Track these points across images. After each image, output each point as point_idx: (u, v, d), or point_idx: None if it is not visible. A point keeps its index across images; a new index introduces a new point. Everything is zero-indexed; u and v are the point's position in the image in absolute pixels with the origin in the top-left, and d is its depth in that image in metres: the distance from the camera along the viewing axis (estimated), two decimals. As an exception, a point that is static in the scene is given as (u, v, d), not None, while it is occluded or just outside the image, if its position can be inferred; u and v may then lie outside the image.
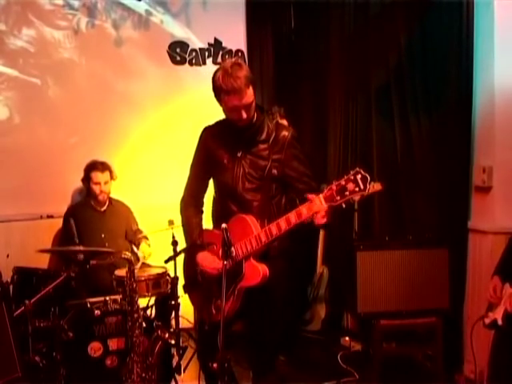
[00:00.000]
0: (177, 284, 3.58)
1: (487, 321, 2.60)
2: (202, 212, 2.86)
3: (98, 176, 3.97)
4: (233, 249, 2.39)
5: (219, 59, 4.84)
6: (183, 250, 3.56)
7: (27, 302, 3.04)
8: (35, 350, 3.07)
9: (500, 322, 2.51)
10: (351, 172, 2.35)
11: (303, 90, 4.95)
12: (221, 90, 2.49)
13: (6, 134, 4.21)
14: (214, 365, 2.30)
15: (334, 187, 2.36)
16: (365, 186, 2.33)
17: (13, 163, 4.17)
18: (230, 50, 4.89)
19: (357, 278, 3.41)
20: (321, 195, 2.39)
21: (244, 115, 2.52)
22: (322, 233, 4.39)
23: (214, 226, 2.78)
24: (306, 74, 4.88)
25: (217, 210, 2.80)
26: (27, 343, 3.02)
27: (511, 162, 3.34)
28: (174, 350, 3.48)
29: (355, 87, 4.34)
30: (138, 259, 3.87)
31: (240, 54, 4.92)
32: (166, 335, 3.28)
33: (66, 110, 4.39)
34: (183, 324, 4.06)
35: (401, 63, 3.81)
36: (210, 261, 2.66)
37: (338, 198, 2.35)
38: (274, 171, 2.62)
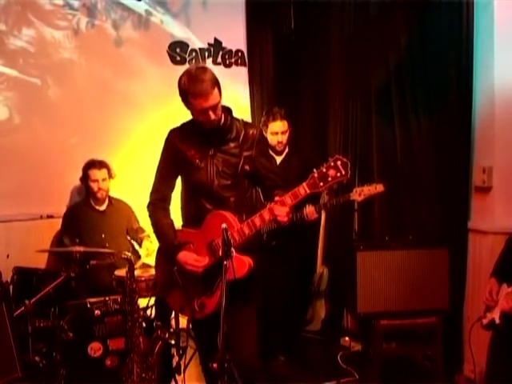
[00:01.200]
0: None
1: (485, 321, 2.61)
2: (170, 212, 2.86)
3: (95, 173, 4.00)
4: (232, 249, 2.38)
5: (219, 59, 4.85)
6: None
7: (27, 301, 3.05)
8: (35, 350, 3.07)
9: (497, 321, 2.52)
10: (330, 159, 2.44)
11: (303, 90, 4.94)
12: (187, 94, 2.55)
13: (6, 134, 4.21)
14: (214, 365, 2.29)
15: (315, 175, 2.44)
16: (346, 171, 2.42)
17: (13, 163, 4.18)
18: (230, 50, 4.89)
19: (357, 278, 3.41)
20: (304, 183, 2.47)
21: (212, 116, 2.57)
22: (321, 233, 4.39)
23: (186, 226, 2.79)
24: (306, 74, 4.88)
25: (189, 208, 2.78)
26: (27, 343, 3.03)
27: (511, 162, 3.34)
28: (174, 350, 3.48)
29: (355, 87, 4.34)
30: (139, 257, 3.88)
31: (240, 53, 4.92)
32: (166, 335, 3.28)
33: (66, 110, 4.39)
34: (183, 324, 4.06)
35: (401, 63, 3.81)
36: (193, 258, 2.66)
37: (321, 184, 2.44)
38: (247, 167, 2.68)
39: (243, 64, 4.93)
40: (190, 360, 3.70)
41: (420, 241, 3.49)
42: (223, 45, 4.87)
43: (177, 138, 2.75)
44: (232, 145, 2.69)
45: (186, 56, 4.76)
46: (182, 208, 2.83)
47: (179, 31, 4.75)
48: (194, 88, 2.51)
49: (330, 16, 4.58)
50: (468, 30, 3.38)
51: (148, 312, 3.63)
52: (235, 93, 4.78)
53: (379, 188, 3.56)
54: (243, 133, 2.70)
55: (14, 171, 4.18)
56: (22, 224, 4.17)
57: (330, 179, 2.43)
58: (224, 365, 2.27)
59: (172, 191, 2.84)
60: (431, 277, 3.39)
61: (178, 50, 4.73)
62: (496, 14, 3.30)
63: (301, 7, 4.90)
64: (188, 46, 4.77)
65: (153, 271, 3.58)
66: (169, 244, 2.72)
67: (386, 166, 4.02)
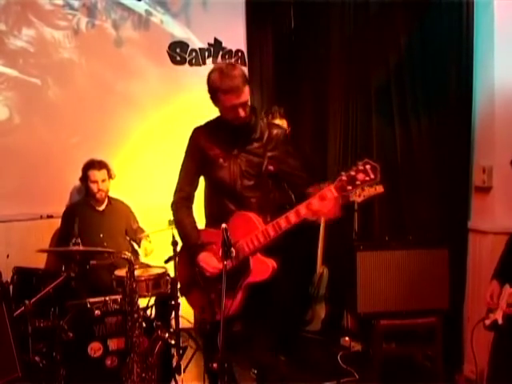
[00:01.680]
0: (177, 284, 3.58)
1: (487, 322, 2.60)
2: (193, 212, 2.85)
3: (95, 174, 3.98)
4: (232, 249, 2.39)
5: (219, 59, 4.85)
6: (180, 252, 3.55)
7: (27, 302, 3.04)
8: (35, 350, 3.07)
9: (500, 322, 2.51)
10: (360, 163, 2.42)
11: (303, 90, 4.95)
12: (218, 90, 2.53)
13: (6, 134, 4.22)
14: (214, 365, 2.29)
15: (344, 178, 2.42)
16: (375, 176, 2.40)
17: (13, 163, 4.18)
18: (230, 50, 4.89)
19: (357, 278, 3.41)
20: (332, 185, 2.44)
21: (242, 113, 2.55)
22: (321, 233, 4.39)
23: (208, 225, 2.78)
24: (306, 74, 4.87)
25: (211, 208, 2.79)
26: (27, 343, 3.02)
27: (511, 162, 3.34)
28: (174, 350, 3.48)
29: (355, 87, 4.34)
30: (137, 257, 3.88)
31: (240, 54, 4.92)
32: (166, 335, 3.28)
33: (66, 110, 4.40)
34: (183, 324, 4.05)
35: (401, 63, 3.81)
36: (212, 261, 2.65)
37: (350, 187, 2.42)
38: (271, 167, 2.67)
39: (243, 64, 4.92)
40: (190, 360, 3.71)
41: (420, 241, 3.48)
42: (223, 45, 4.87)
43: (201, 137, 2.74)
44: (256, 145, 2.67)
45: (186, 56, 4.76)
46: (204, 207, 2.82)
47: (179, 31, 4.75)
48: (225, 84, 2.49)
49: (330, 16, 4.58)
50: (468, 30, 3.38)
51: (148, 312, 3.64)
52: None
53: (379, 189, 3.56)
54: (267, 133, 2.69)
55: (14, 171, 4.19)
56: (21, 224, 4.18)
57: (358, 183, 2.41)
58: (224, 365, 2.27)
59: (195, 190, 2.83)
60: (431, 277, 3.38)
61: (178, 50, 4.73)
62: (496, 14, 3.30)
63: (301, 7, 4.90)
64: (188, 45, 4.77)
65: (152, 271, 3.60)
66: (191, 244, 2.71)
67: (386, 166, 3.98)
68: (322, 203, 2.46)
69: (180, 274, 2.92)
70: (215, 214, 2.74)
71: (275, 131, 2.71)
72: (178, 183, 2.82)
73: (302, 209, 2.50)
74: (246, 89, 2.53)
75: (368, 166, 2.40)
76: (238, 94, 2.50)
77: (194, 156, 2.76)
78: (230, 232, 2.61)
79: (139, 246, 3.97)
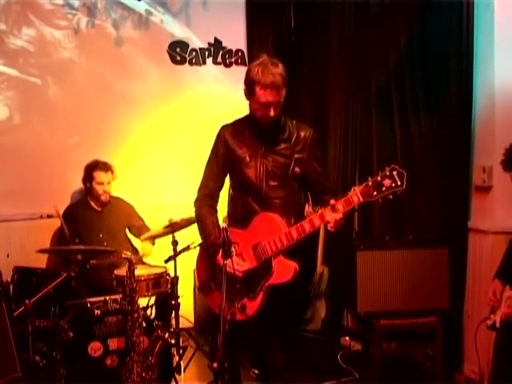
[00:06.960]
0: (177, 284, 3.58)
1: (489, 322, 2.61)
2: (217, 211, 2.83)
3: (101, 176, 3.95)
4: (232, 249, 2.38)
5: (219, 59, 4.85)
6: (184, 250, 3.55)
7: (27, 301, 3.04)
8: (35, 349, 3.07)
9: (498, 325, 2.52)
10: (387, 168, 2.39)
11: (303, 89, 4.94)
12: (257, 83, 2.52)
13: (6, 133, 4.21)
14: (215, 365, 2.29)
15: (370, 183, 2.40)
16: (402, 182, 2.37)
17: (13, 163, 4.17)
18: (230, 50, 4.90)
19: (357, 278, 3.41)
20: (357, 190, 2.41)
21: (272, 112, 2.55)
22: (321, 232, 4.39)
23: (231, 225, 2.76)
24: (305, 73, 4.87)
25: (235, 208, 2.76)
26: (27, 343, 3.03)
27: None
28: (174, 350, 3.48)
29: (355, 87, 4.34)
30: (137, 254, 3.87)
31: (240, 53, 4.92)
32: (166, 335, 3.28)
33: (66, 109, 4.39)
34: (183, 324, 4.06)
35: (401, 63, 3.81)
36: (233, 261, 2.64)
37: (375, 193, 2.39)
38: (297, 169, 2.65)
39: (243, 64, 4.93)
40: (190, 360, 3.71)
41: (420, 241, 3.49)
42: (223, 44, 4.87)
43: (228, 135, 2.72)
44: (283, 146, 2.66)
45: (186, 56, 4.76)
46: (228, 206, 2.81)
47: (179, 31, 4.75)
48: (266, 78, 2.50)
49: (330, 16, 4.58)
50: (468, 30, 3.38)
51: (148, 312, 3.63)
52: (235, 92, 4.76)
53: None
54: (295, 135, 2.68)
55: (13, 171, 4.18)
56: (21, 224, 4.17)
57: (384, 189, 2.38)
58: (224, 365, 2.27)
59: (221, 189, 2.80)
60: (431, 276, 3.39)
61: (178, 50, 4.73)
62: (496, 14, 3.30)
63: (301, 7, 4.90)
64: (188, 45, 4.77)
65: (152, 270, 3.60)
66: (210, 243, 2.68)
67: (387, 166, 4.00)
68: (348, 207, 2.44)
69: (199, 274, 2.88)
70: (239, 214, 2.72)
71: (303, 133, 2.70)
72: (202, 180, 2.79)
73: (327, 213, 2.47)
74: (284, 90, 2.55)
75: (395, 172, 2.37)
76: (275, 92, 2.52)
77: (220, 153, 2.73)
78: (252, 232, 2.62)
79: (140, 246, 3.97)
